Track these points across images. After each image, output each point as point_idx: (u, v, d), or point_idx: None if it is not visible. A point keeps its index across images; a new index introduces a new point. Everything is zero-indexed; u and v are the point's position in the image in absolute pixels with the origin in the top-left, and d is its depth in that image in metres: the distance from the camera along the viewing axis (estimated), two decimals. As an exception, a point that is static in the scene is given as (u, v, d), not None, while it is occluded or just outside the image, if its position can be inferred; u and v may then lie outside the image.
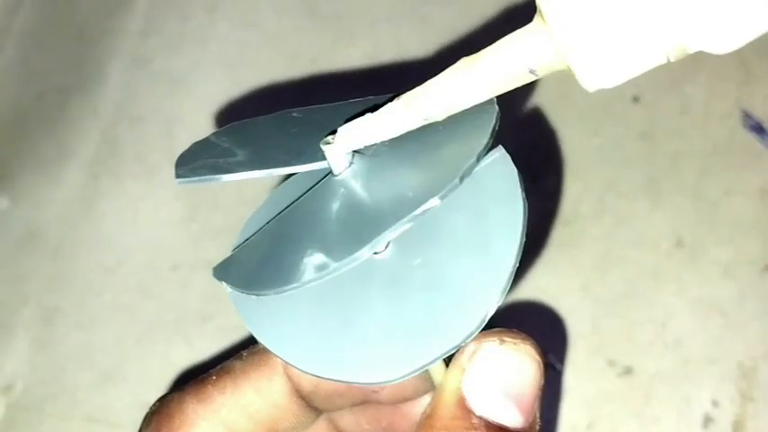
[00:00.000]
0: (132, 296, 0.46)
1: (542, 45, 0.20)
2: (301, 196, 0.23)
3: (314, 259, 0.21)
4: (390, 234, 0.20)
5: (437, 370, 0.23)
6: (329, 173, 0.22)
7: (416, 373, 0.21)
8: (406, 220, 0.20)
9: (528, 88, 0.47)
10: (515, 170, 0.21)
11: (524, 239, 0.21)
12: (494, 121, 0.21)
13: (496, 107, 0.22)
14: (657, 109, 0.46)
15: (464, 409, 0.21)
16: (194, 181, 0.23)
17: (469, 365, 0.22)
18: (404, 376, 0.21)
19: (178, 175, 0.24)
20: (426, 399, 0.25)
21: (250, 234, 0.24)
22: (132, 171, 0.49)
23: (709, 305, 0.42)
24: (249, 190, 0.47)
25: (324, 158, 0.22)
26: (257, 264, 0.23)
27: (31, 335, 0.46)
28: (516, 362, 0.22)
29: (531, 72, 0.20)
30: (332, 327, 0.22)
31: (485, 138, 0.21)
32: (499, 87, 0.21)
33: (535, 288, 0.43)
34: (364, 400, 0.26)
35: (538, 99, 0.47)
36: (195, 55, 0.51)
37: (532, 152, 0.46)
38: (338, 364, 0.21)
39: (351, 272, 0.21)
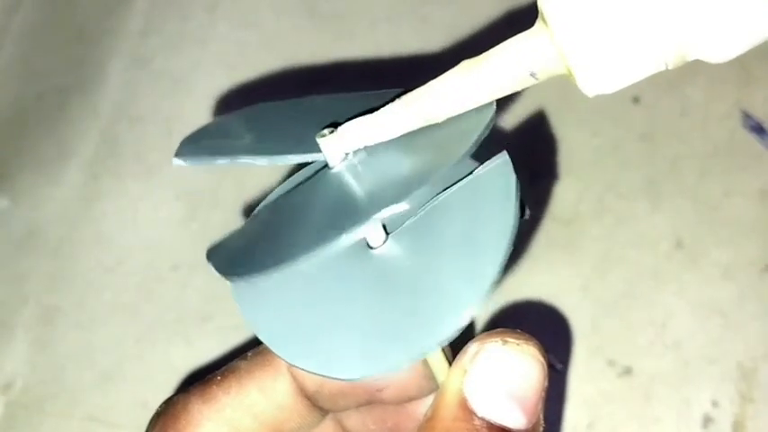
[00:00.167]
0: (132, 296, 0.46)
1: (544, 49, 0.20)
2: (296, 187, 0.23)
3: (292, 247, 0.21)
4: (364, 227, 0.20)
5: (440, 370, 0.23)
6: (325, 165, 0.22)
7: (382, 374, 0.21)
8: (380, 213, 0.20)
9: (528, 89, 0.47)
10: (514, 178, 0.21)
11: (510, 249, 0.20)
12: (488, 120, 0.21)
13: (493, 104, 0.22)
14: (657, 110, 0.46)
15: (466, 410, 0.21)
16: (191, 162, 0.24)
17: (472, 366, 0.21)
18: (367, 376, 0.21)
19: (177, 155, 0.24)
20: (432, 398, 0.25)
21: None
22: (132, 171, 0.49)
23: (709, 306, 0.42)
24: (250, 190, 0.47)
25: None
26: (239, 250, 0.23)
27: (30, 334, 0.46)
28: (519, 363, 0.22)
29: (532, 76, 0.20)
30: (317, 319, 0.22)
31: (476, 134, 0.21)
32: (500, 90, 0.21)
33: (535, 288, 0.43)
34: (369, 400, 0.26)
35: (538, 100, 0.47)
36: (195, 55, 0.51)
37: (533, 152, 0.46)
38: (313, 355, 0.21)
39: (347, 265, 0.21)
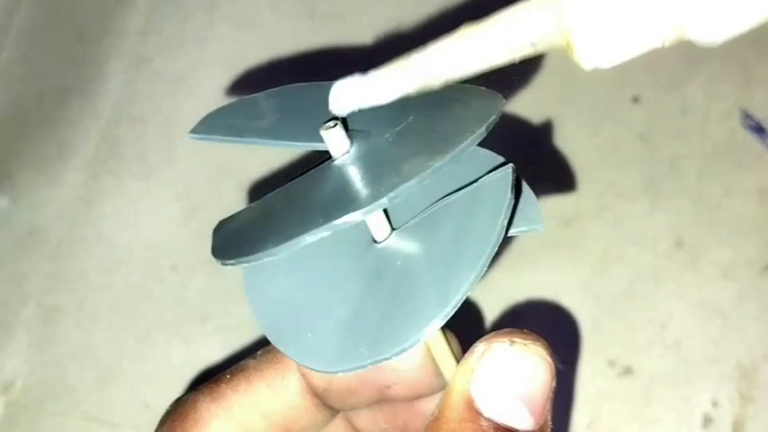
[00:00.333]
0: (132, 296, 0.46)
1: (545, 17, 0.20)
2: (299, 176, 0.23)
3: (275, 234, 0.21)
4: (348, 218, 0.20)
5: (447, 368, 0.23)
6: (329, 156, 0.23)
7: (354, 371, 0.21)
8: (364, 208, 0.20)
9: (528, 88, 0.47)
10: (508, 197, 0.21)
11: (485, 268, 0.20)
12: (495, 114, 0.21)
13: (500, 98, 0.22)
14: (657, 109, 0.46)
15: (472, 410, 0.21)
16: (202, 138, 0.24)
17: (478, 366, 0.21)
18: (338, 372, 0.21)
19: (192, 130, 0.24)
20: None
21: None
22: (132, 171, 0.49)
23: (709, 305, 0.42)
24: (250, 190, 0.47)
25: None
26: (232, 233, 0.23)
27: (30, 334, 0.46)
28: (526, 363, 0.21)
29: (532, 45, 0.20)
30: (311, 308, 0.22)
31: (479, 129, 0.21)
32: (499, 57, 0.21)
33: (535, 288, 0.43)
34: (379, 398, 0.26)
35: (538, 99, 0.47)
36: (195, 55, 0.51)
37: (533, 152, 0.46)
38: (297, 343, 0.22)
39: (351, 257, 0.22)
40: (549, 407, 0.22)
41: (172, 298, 0.46)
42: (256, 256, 0.21)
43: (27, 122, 0.51)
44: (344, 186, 0.21)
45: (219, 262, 0.22)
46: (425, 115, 0.22)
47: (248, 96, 0.25)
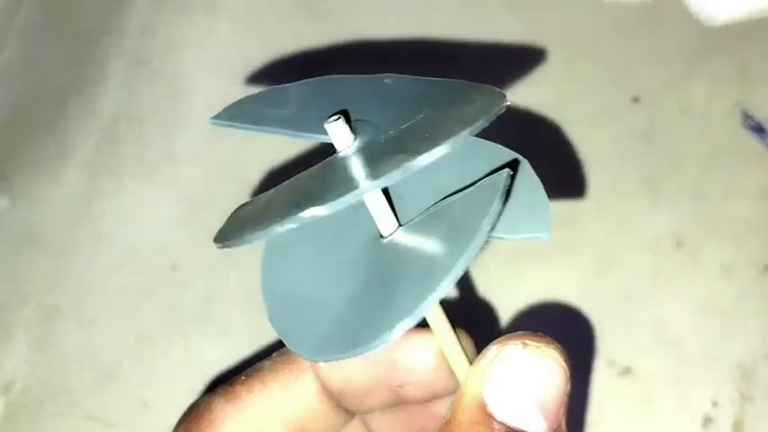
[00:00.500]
0: (132, 296, 0.46)
1: None
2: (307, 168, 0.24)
3: (263, 221, 0.21)
4: (315, 211, 0.20)
5: (460, 369, 0.23)
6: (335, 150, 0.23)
7: (330, 362, 0.21)
8: (350, 195, 0.20)
9: (527, 88, 0.47)
10: (496, 203, 0.20)
11: (463, 269, 0.20)
12: (496, 109, 0.21)
13: (505, 96, 0.22)
14: (657, 109, 0.46)
15: (484, 414, 0.21)
16: (222, 124, 0.24)
17: (490, 369, 0.21)
18: (322, 360, 0.21)
19: (215, 117, 0.24)
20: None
21: None
22: (132, 171, 0.49)
23: (709, 305, 0.42)
24: (250, 190, 0.47)
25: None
26: (234, 220, 0.24)
27: (30, 334, 0.46)
28: (539, 366, 0.21)
29: None
30: (311, 294, 0.22)
31: (477, 120, 0.21)
32: None
33: (535, 288, 0.43)
34: (394, 399, 0.26)
35: (538, 99, 0.47)
36: (195, 55, 0.51)
37: (532, 152, 0.46)
38: (291, 327, 0.22)
39: (356, 250, 0.22)
40: (563, 411, 0.21)
41: (172, 298, 0.46)
42: (232, 242, 0.21)
43: (27, 122, 0.51)
44: (341, 176, 0.21)
45: (221, 245, 0.22)
46: (434, 113, 0.22)
47: (280, 86, 0.25)
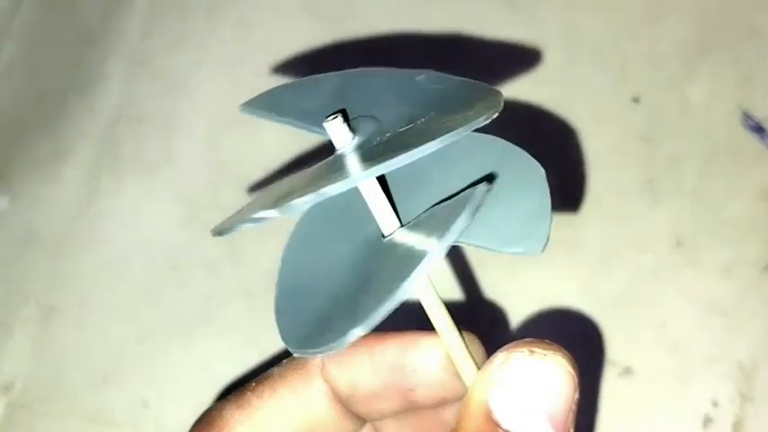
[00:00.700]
0: (132, 296, 0.46)
1: None
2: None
3: (259, 209, 0.21)
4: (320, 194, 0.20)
5: (467, 373, 0.23)
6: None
7: (301, 355, 0.21)
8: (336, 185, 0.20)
9: (527, 88, 0.47)
10: (463, 218, 0.20)
11: (416, 280, 0.20)
12: (493, 109, 0.21)
13: (501, 94, 0.22)
14: (658, 109, 0.46)
15: (490, 422, 0.21)
16: (248, 112, 0.25)
17: (496, 377, 0.21)
18: (297, 352, 0.21)
19: (244, 104, 0.25)
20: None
21: None
22: (132, 171, 0.49)
23: (709, 305, 0.42)
24: (250, 189, 0.47)
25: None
26: (250, 204, 0.24)
27: (30, 334, 0.46)
28: (546, 374, 0.21)
29: None
30: (311, 286, 0.23)
31: (474, 119, 0.21)
32: None
33: (535, 288, 0.43)
34: (405, 404, 0.25)
35: (538, 99, 0.47)
36: (195, 55, 0.51)
37: (532, 152, 0.46)
38: (285, 317, 0.22)
39: (359, 246, 0.22)
40: (571, 419, 0.21)
41: (172, 298, 0.46)
42: (223, 229, 0.22)
43: (26, 122, 0.51)
44: (335, 169, 0.22)
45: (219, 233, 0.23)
46: (436, 116, 0.22)
47: (315, 76, 0.25)
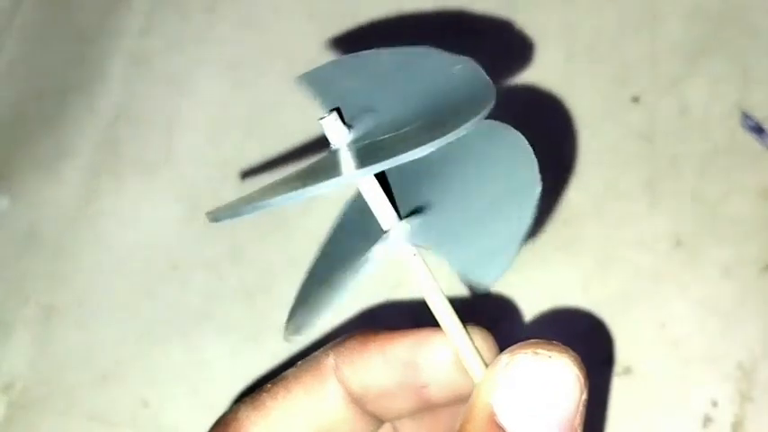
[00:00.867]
0: (132, 295, 0.46)
1: None
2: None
3: (248, 202, 0.22)
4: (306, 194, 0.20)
5: (475, 371, 0.23)
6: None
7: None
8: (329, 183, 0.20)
9: (526, 88, 0.47)
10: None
11: (349, 284, 0.21)
12: (486, 107, 0.21)
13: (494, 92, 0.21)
14: (657, 109, 0.46)
15: (494, 425, 0.20)
16: (300, 86, 0.25)
17: (501, 379, 0.21)
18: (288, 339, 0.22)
19: (303, 75, 0.25)
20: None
21: None
22: (132, 170, 0.49)
23: (709, 305, 0.42)
24: (250, 189, 0.47)
25: None
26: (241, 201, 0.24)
27: (30, 334, 0.46)
28: (551, 375, 0.20)
29: None
30: (314, 280, 0.24)
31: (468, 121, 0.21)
32: None
33: (535, 288, 0.43)
34: (419, 403, 0.25)
35: (537, 99, 0.47)
36: (195, 55, 0.51)
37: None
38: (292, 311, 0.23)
39: (363, 244, 0.23)
40: (579, 421, 0.21)
41: (172, 298, 0.46)
42: (212, 216, 0.23)
43: (26, 122, 0.51)
44: (328, 166, 0.22)
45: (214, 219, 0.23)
46: (431, 115, 0.22)
47: (373, 50, 0.25)
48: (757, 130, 0.44)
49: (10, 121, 0.51)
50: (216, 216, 0.22)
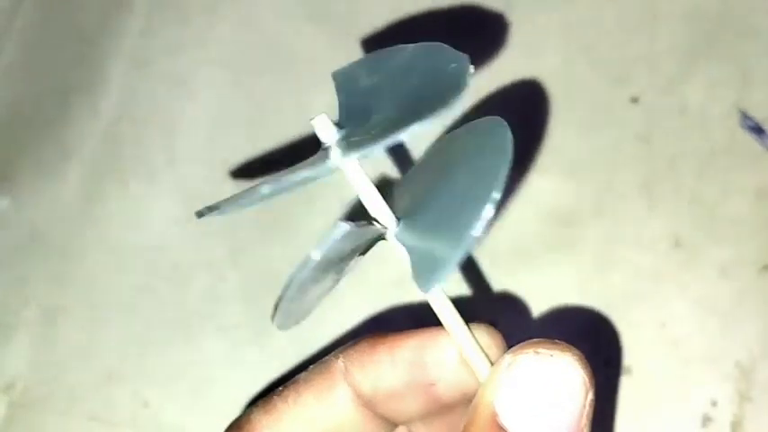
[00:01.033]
0: (133, 296, 0.46)
1: None
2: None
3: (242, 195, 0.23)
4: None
5: (480, 371, 0.22)
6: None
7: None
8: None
9: (526, 89, 0.47)
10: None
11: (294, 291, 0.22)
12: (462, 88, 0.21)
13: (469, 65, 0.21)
14: (656, 110, 0.46)
15: (496, 426, 0.20)
16: (335, 82, 0.26)
17: (503, 379, 0.20)
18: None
19: (333, 74, 0.25)
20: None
21: None
22: (133, 171, 0.49)
23: (708, 305, 0.42)
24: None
25: None
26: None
27: (32, 334, 0.46)
28: (553, 375, 0.20)
29: None
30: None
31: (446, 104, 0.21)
32: None
33: (535, 288, 0.43)
34: (429, 403, 0.25)
35: (537, 99, 0.47)
36: (196, 56, 0.51)
37: (531, 152, 0.46)
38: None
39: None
40: (585, 422, 0.20)
41: (172, 298, 0.46)
42: (205, 212, 0.23)
43: (28, 123, 0.51)
44: (317, 159, 0.22)
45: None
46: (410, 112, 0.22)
47: (398, 46, 0.25)
48: (756, 130, 0.44)
49: (11, 122, 0.51)
50: (201, 212, 0.22)
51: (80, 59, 0.52)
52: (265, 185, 0.21)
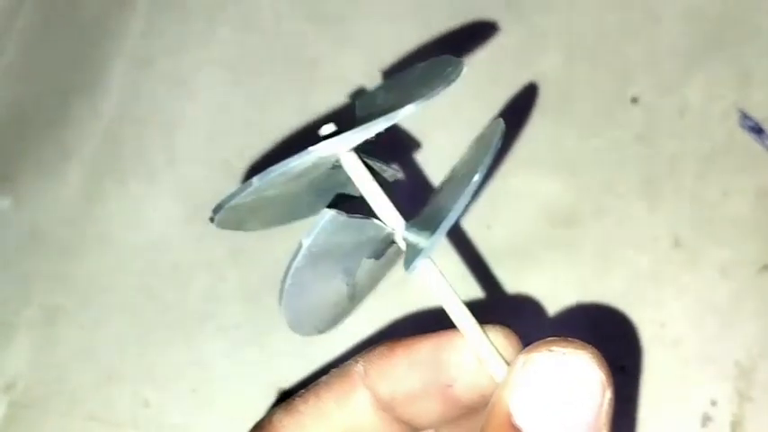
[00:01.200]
0: (133, 296, 0.46)
1: None
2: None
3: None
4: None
5: (496, 372, 0.22)
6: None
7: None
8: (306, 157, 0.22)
9: (526, 89, 0.47)
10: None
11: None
12: (455, 74, 0.22)
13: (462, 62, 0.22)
14: (656, 110, 0.46)
15: (511, 427, 0.20)
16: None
17: (517, 379, 0.20)
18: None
19: (355, 95, 0.26)
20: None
21: None
22: (134, 171, 0.49)
23: (708, 305, 0.42)
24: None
25: None
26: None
27: (32, 334, 0.46)
28: (568, 373, 0.20)
29: None
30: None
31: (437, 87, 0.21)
32: None
33: (534, 288, 0.43)
34: (447, 405, 0.25)
35: (537, 100, 0.47)
36: (196, 57, 0.51)
37: (531, 152, 0.46)
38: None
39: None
40: (605, 421, 0.20)
41: (172, 298, 0.46)
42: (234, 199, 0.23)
43: (28, 123, 0.51)
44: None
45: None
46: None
47: (409, 69, 0.25)
48: (756, 130, 0.44)
49: (12, 122, 0.51)
50: (212, 217, 0.23)
51: (81, 59, 0.52)
52: (255, 177, 0.21)
